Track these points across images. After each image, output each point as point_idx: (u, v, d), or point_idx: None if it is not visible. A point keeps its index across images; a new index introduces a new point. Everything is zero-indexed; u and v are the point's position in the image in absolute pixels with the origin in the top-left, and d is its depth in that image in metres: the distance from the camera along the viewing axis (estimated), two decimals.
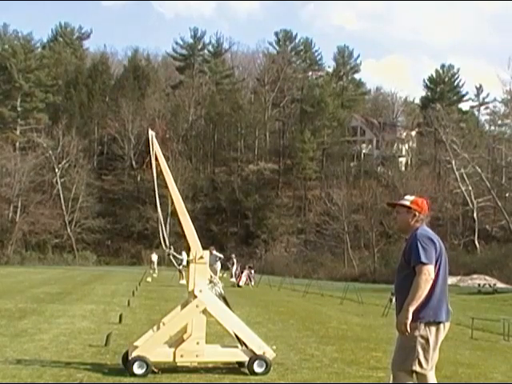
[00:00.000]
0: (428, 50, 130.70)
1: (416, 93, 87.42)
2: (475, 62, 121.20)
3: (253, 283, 30.25)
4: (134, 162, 70.06)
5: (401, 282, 4.81)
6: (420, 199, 5.05)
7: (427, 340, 4.70)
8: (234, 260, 32.63)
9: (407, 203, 4.97)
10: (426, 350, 4.72)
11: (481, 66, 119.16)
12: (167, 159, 8.21)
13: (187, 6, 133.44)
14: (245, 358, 7.21)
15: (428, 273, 4.63)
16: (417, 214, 4.93)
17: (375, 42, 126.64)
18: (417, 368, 4.73)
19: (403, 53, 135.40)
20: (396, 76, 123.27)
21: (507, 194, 61.42)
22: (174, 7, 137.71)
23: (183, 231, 7.31)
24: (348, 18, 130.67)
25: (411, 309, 4.60)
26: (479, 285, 33.80)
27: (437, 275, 4.71)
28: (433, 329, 4.71)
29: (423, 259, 4.65)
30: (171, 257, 7.68)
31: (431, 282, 4.65)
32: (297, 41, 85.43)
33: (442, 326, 4.75)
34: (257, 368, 7.08)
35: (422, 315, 4.67)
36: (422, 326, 4.69)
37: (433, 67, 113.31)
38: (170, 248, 7.43)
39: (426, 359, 4.73)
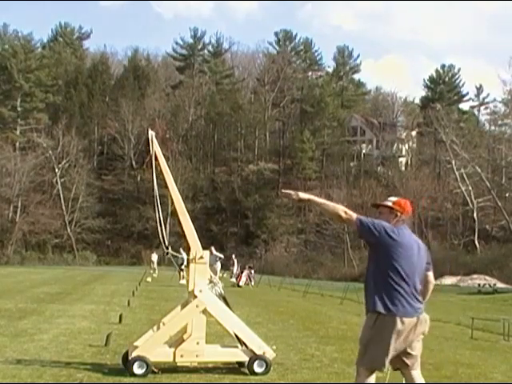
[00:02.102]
0: (427, 50, 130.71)
1: (414, 93, 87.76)
2: (474, 62, 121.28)
3: (253, 283, 30.24)
4: (134, 162, 70.08)
5: (368, 273, 4.87)
6: (403, 200, 5.06)
7: (378, 334, 4.67)
8: (235, 260, 32.61)
9: (390, 204, 5.00)
10: (378, 346, 4.67)
11: (480, 66, 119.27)
12: (167, 159, 8.21)
13: (185, 6, 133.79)
14: (245, 358, 7.21)
15: (350, 215, 4.73)
16: (398, 214, 4.93)
17: (374, 41, 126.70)
18: (372, 364, 4.72)
19: (402, 53, 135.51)
20: (394, 76, 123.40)
21: (507, 194, 61.43)
22: (172, 7, 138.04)
23: (183, 231, 7.31)
24: (346, 18, 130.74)
25: (311, 197, 4.94)
26: (479, 285, 33.80)
27: (397, 271, 4.67)
28: (384, 322, 4.65)
29: (361, 216, 4.78)
30: (170, 256, 7.68)
31: (341, 215, 4.73)
32: (297, 41, 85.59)
33: (405, 320, 4.65)
34: (257, 368, 7.08)
35: (378, 309, 4.67)
36: (372, 317, 4.70)
37: (431, 67, 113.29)
38: (168, 248, 7.42)
39: (384, 355, 4.66)
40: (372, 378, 4.75)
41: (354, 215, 4.75)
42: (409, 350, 4.78)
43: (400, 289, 4.67)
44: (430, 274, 5.06)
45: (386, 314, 4.64)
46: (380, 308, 4.66)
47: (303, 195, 5.01)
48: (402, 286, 4.67)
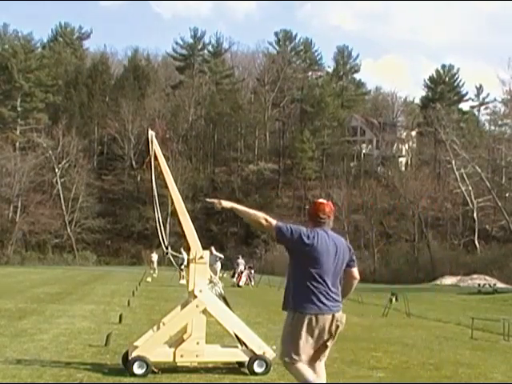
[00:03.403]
0: (426, 50, 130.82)
1: (414, 93, 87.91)
2: (473, 62, 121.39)
3: (253, 283, 30.23)
4: (134, 162, 70.10)
5: (288, 275, 5.11)
6: (317, 202, 5.24)
7: (294, 330, 4.90)
8: (239, 261, 32.00)
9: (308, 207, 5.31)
10: (294, 341, 4.90)
11: (479, 66, 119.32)
12: (167, 159, 8.19)
13: (184, 6, 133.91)
14: (245, 358, 7.20)
15: (270, 222, 4.95)
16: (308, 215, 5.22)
17: (373, 41, 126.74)
18: (287, 358, 4.95)
19: (401, 53, 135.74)
20: (394, 76, 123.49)
21: (507, 194, 61.40)
22: (171, 7, 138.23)
23: (183, 231, 7.30)
24: (345, 18, 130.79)
25: (233, 205, 5.19)
26: (479, 285, 33.74)
27: (310, 273, 4.89)
28: (300, 319, 4.88)
29: (280, 223, 5.00)
30: (170, 256, 7.67)
31: (261, 222, 4.95)
32: (297, 41, 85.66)
33: (320, 317, 4.90)
34: (257, 368, 7.07)
35: (294, 308, 4.92)
36: (290, 314, 4.95)
37: (431, 67, 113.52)
38: (168, 248, 7.41)
39: (296, 350, 4.90)
40: (311, 374, 4.95)
41: (274, 222, 4.97)
42: (323, 345, 5.03)
43: (314, 289, 4.90)
44: (355, 271, 5.28)
45: (301, 312, 4.88)
46: (295, 307, 4.92)
47: (225, 203, 5.30)
48: (316, 286, 4.90)
